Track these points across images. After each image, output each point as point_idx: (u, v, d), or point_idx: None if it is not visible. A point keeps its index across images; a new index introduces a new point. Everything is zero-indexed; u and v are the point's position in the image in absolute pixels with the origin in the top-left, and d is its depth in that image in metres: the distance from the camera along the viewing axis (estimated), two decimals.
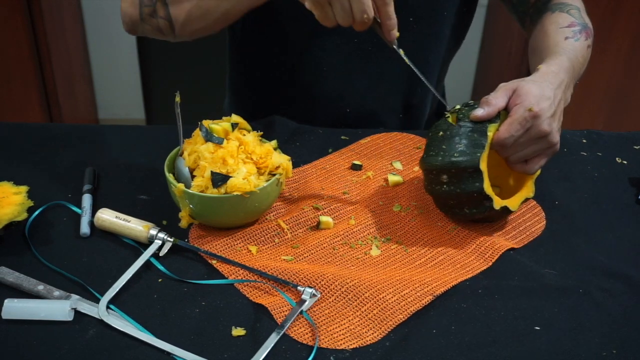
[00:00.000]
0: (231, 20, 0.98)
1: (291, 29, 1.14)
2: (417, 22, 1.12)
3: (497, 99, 0.85)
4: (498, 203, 0.85)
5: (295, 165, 1.02)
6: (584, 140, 1.16)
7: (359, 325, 0.74)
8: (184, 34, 1.00)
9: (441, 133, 0.86)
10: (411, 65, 0.90)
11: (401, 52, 0.90)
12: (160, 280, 0.80)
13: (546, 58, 0.95)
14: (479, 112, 0.84)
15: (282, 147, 0.93)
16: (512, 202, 0.88)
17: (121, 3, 1.03)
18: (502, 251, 0.86)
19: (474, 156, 0.83)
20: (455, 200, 0.86)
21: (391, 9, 0.86)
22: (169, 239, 0.84)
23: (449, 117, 0.87)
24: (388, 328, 0.74)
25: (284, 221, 0.90)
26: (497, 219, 0.91)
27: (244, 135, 0.89)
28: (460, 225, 0.91)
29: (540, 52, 1.00)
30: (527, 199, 0.90)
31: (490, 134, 0.84)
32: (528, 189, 0.91)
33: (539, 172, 0.91)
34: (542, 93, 0.85)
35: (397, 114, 1.24)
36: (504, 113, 0.86)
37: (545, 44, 1.00)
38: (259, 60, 1.22)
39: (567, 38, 0.99)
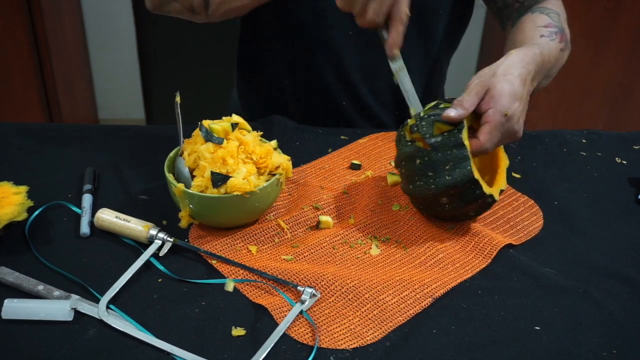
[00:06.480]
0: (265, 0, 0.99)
1: (288, 19, 1.15)
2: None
3: (470, 102, 0.83)
4: (495, 193, 0.86)
5: (295, 165, 1.02)
6: (584, 140, 1.16)
7: (359, 325, 0.74)
8: (217, 13, 1.00)
9: (418, 161, 0.83)
10: (402, 87, 0.91)
11: (398, 69, 0.90)
12: (160, 280, 0.80)
13: (520, 47, 0.96)
14: (452, 113, 0.81)
15: (282, 147, 0.93)
16: (495, 191, 0.87)
17: None
18: (501, 247, 0.87)
19: (464, 170, 0.81)
20: (459, 212, 0.87)
21: (401, 28, 0.86)
22: (169, 239, 0.84)
23: (415, 141, 0.84)
24: (388, 329, 0.74)
25: (283, 221, 0.90)
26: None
27: (244, 135, 0.89)
28: (459, 224, 0.91)
29: (514, 45, 1.01)
30: (501, 191, 0.89)
31: (466, 142, 0.82)
32: (502, 182, 0.90)
33: (507, 163, 0.92)
34: (514, 91, 0.84)
35: (392, 110, 1.24)
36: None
37: (520, 37, 1.02)
38: (261, 53, 1.23)
39: (543, 36, 1.01)
